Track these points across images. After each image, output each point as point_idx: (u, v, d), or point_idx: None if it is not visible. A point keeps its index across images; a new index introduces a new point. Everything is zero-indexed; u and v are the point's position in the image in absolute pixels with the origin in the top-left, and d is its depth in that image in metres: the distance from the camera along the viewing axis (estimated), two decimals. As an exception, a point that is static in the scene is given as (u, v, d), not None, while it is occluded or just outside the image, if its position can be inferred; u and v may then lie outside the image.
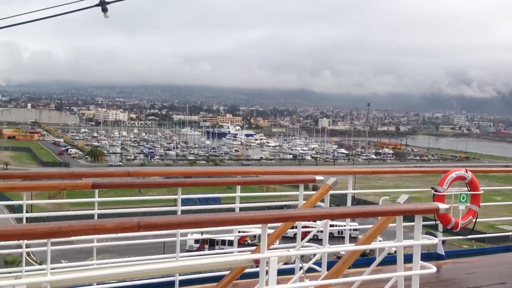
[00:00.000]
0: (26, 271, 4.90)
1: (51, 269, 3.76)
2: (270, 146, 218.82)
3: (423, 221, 4.49)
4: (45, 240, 3.55)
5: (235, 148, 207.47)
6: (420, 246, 4.39)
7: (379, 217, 4.70)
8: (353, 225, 8.07)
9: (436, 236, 7.35)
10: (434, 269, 4.58)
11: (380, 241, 5.73)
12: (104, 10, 5.41)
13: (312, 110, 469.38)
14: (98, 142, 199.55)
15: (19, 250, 5.42)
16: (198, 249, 59.27)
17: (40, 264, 46.34)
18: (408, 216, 4.51)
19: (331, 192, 5.96)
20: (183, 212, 6.00)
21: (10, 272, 5.42)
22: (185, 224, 3.97)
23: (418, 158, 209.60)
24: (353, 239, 7.98)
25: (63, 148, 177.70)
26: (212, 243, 62.70)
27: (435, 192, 7.91)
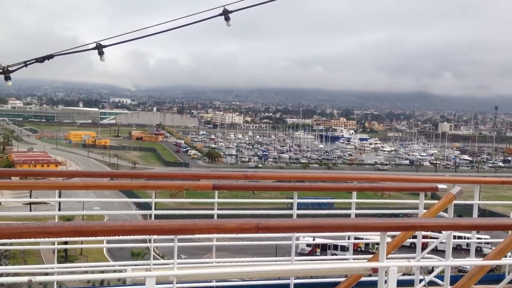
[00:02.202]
0: (153, 264, 5.27)
1: (177, 263, 3.99)
2: (385, 151, 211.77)
3: None
4: (172, 236, 3.79)
5: (349, 152, 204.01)
6: None
7: (511, 231, 4.33)
8: (482, 238, 7.46)
9: None
10: None
11: (510, 257, 5.27)
12: (227, 19, 5.65)
13: (432, 114, 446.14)
14: (215, 144, 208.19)
15: (147, 244, 5.82)
16: (310, 253, 59.21)
17: (162, 257, 49.56)
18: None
19: (454, 202, 5.62)
20: (298, 216, 6.04)
21: (137, 265, 5.87)
22: (302, 228, 3.99)
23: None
24: (477, 253, 7.41)
25: (183, 149, 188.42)
26: (323, 248, 62.26)
27: None
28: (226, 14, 5.62)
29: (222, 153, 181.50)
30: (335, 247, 60.11)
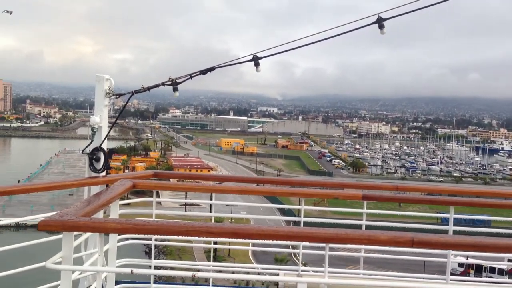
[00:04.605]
0: (302, 271, 5.36)
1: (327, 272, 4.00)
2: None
3: None
4: (322, 244, 3.82)
5: (510, 167, 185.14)
6: None
7: None
8: None
9: None
10: None
11: None
12: (381, 27, 5.54)
13: None
14: (360, 154, 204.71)
15: (295, 250, 5.93)
16: (463, 273, 54.88)
17: (304, 265, 50.04)
18: None
19: None
20: (454, 232, 5.67)
21: (286, 270, 6.01)
22: (461, 245, 3.73)
23: None
24: None
25: (327, 158, 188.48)
26: (478, 269, 57.35)
27: None
28: (380, 22, 5.52)
29: (367, 164, 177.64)
30: (492, 269, 55.00)
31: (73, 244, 3.69)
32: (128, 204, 5.86)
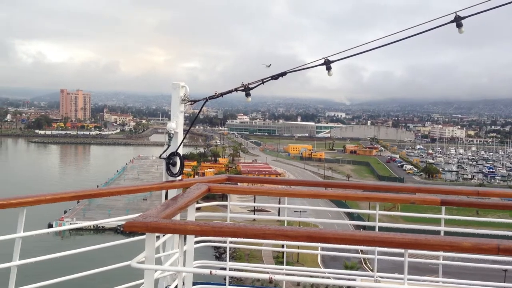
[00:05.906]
0: (378, 277, 5.24)
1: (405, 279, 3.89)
2: None
3: None
4: (401, 250, 3.72)
5: None
6: None
7: None
8: None
9: None
10: None
11: None
12: (459, 25, 5.29)
13: None
14: (433, 159, 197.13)
15: (370, 256, 5.81)
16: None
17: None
18: None
19: None
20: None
21: (355, 275, 5.90)
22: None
23: None
24: None
25: (398, 164, 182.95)
26: None
27: None
28: (458, 20, 5.28)
29: (440, 169, 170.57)
30: None
31: (155, 244, 3.84)
32: (199, 208, 6.03)
